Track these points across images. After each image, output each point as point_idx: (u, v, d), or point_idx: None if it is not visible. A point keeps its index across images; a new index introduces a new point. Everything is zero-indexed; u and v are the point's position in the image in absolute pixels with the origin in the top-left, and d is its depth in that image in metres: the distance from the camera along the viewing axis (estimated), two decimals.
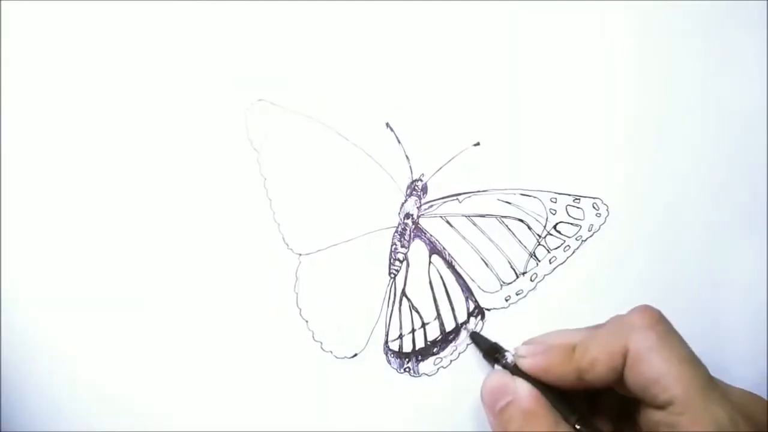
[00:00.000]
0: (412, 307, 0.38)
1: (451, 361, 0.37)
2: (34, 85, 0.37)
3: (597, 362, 0.31)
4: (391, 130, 0.38)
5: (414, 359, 0.37)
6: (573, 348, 0.32)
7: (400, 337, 0.37)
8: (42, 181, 0.37)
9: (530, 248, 0.38)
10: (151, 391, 0.36)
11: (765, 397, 0.32)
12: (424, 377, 0.37)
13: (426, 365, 0.37)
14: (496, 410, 0.32)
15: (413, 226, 0.38)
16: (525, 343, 0.34)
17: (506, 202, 0.38)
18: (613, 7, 0.40)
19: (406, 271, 0.38)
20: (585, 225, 0.38)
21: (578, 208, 0.38)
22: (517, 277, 0.38)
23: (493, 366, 0.35)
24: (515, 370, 0.33)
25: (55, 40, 0.38)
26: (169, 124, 0.38)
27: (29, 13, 0.38)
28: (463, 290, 0.38)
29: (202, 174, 0.37)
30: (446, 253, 0.38)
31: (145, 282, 0.36)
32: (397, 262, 0.38)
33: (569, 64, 0.39)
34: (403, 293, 0.38)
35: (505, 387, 0.32)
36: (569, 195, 0.38)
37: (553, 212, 0.38)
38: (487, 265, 0.38)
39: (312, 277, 0.37)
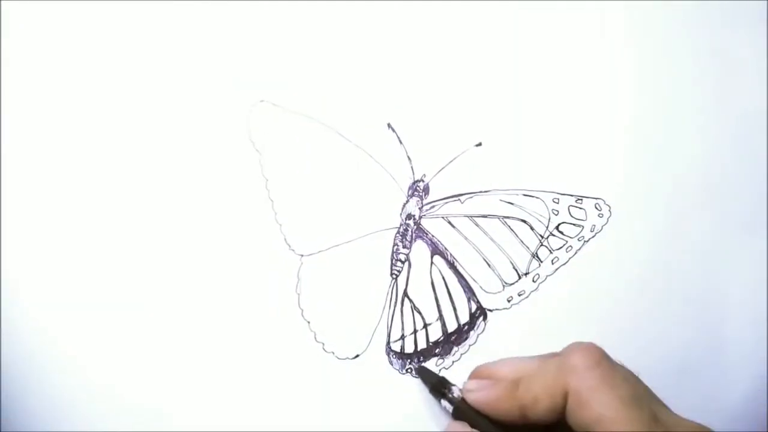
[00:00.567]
0: (414, 308, 0.37)
1: (453, 362, 0.37)
2: (34, 85, 0.37)
3: (538, 400, 0.31)
4: (393, 130, 0.38)
5: (416, 360, 0.37)
6: (518, 383, 0.32)
7: (402, 338, 0.37)
8: (42, 181, 0.37)
9: (532, 249, 0.38)
10: (152, 392, 0.36)
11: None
12: None
13: (428, 366, 0.37)
14: None
15: (415, 227, 0.38)
16: (473, 375, 0.34)
17: (508, 202, 0.38)
18: (613, 7, 0.40)
19: (408, 272, 0.38)
20: (587, 225, 0.38)
21: (580, 208, 0.38)
22: (520, 277, 0.38)
23: (439, 401, 0.35)
24: (462, 403, 0.33)
25: (56, 40, 0.38)
26: (171, 125, 0.38)
27: (29, 13, 0.38)
28: (465, 291, 0.38)
29: (204, 175, 0.37)
30: (448, 253, 0.38)
31: (146, 282, 0.36)
32: (399, 263, 0.38)
33: (570, 64, 0.40)
34: (405, 294, 0.38)
35: None
36: (571, 195, 0.38)
37: (556, 213, 0.38)
38: (489, 265, 0.38)
39: (314, 278, 0.37)
